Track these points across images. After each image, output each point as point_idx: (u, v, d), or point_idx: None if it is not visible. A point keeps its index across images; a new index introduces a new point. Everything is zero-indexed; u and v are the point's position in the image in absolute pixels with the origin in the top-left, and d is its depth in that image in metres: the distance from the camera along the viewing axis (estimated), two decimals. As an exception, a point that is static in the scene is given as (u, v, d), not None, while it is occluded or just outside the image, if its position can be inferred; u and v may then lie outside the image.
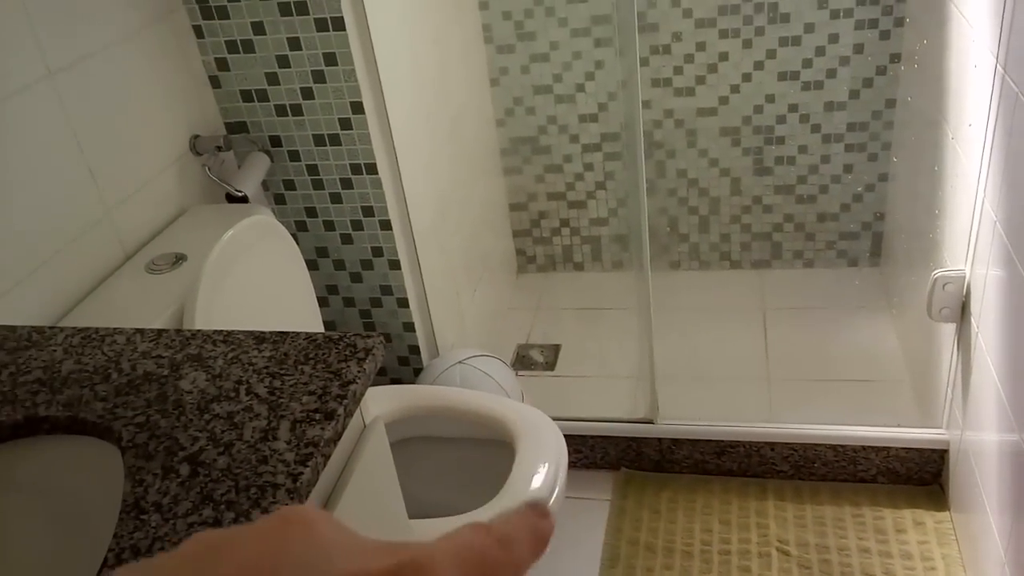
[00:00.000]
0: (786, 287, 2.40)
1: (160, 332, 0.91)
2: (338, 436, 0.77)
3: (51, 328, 0.93)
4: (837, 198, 2.33)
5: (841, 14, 2.09)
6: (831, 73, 2.16)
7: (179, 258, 1.25)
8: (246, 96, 1.52)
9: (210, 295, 1.17)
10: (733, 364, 2.14)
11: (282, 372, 0.83)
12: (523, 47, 2.26)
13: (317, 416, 0.76)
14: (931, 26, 1.79)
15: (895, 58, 2.12)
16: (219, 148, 1.46)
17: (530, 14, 2.21)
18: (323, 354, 0.85)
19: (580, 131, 2.35)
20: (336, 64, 1.46)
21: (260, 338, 0.89)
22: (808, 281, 2.41)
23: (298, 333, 0.89)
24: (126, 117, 1.31)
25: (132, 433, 0.76)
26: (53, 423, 0.80)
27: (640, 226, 1.74)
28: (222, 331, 0.90)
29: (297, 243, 1.55)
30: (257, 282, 1.29)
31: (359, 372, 0.82)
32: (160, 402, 0.80)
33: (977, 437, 1.51)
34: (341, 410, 0.77)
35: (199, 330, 0.91)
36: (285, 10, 1.42)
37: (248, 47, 1.47)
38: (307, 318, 1.45)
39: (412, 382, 1.76)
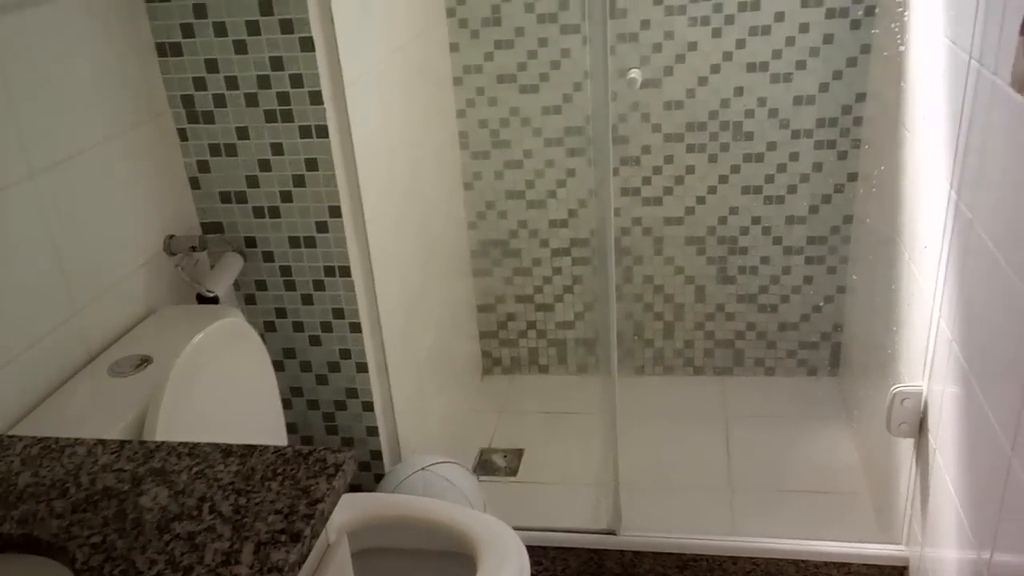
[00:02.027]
0: (748, 395, 2.42)
1: (123, 443, 0.89)
2: (303, 559, 0.75)
3: (10, 437, 0.91)
4: (797, 308, 2.39)
5: (802, 134, 2.19)
6: (791, 189, 2.25)
7: (144, 360, 1.23)
8: (224, 197, 1.53)
9: (175, 399, 1.15)
10: (696, 472, 2.14)
11: (248, 488, 0.82)
12: (498, 154, 2.32)
13: (283, 537, 0.75)
14: (887, 150, 1.89)
15: (852, 177, 2.22)
16: (193, 248, 1.46)
17: (506, 123, 2.29)
18: (292, 469, 0.84)
19: (550, 236, 2.40)
20: (317, 169, 1.49)
21: (227, 451, 0.88)
22: (769, 389, 2.44)
23: (267, 447, 0.88)
24: (103, 217, 1.32)
25: (87, 555, 0.74)
26: (6, 541, 0.77)
27: (608, 330, 1.76)
28: (187, 443, 0.89)
29: (264, 343, 1.54)
30: (223, 386, 1.28)
31: (328, 489, 0.81)
32: (119, 520, 0.78)
33: (937, 554, 1.51)
34: (308, 531, 0.76)
35: (164, 442, 0.89)
36: (271, 116, 1.46)
37: (231, 151, 1.50)
38: (271, 422, 1.43)
39: (373, 489, 1.73)
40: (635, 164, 2.29)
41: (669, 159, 2.27)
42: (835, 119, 2.16)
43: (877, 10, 2.02)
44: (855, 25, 2.06)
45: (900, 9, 1.78)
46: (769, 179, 2.25)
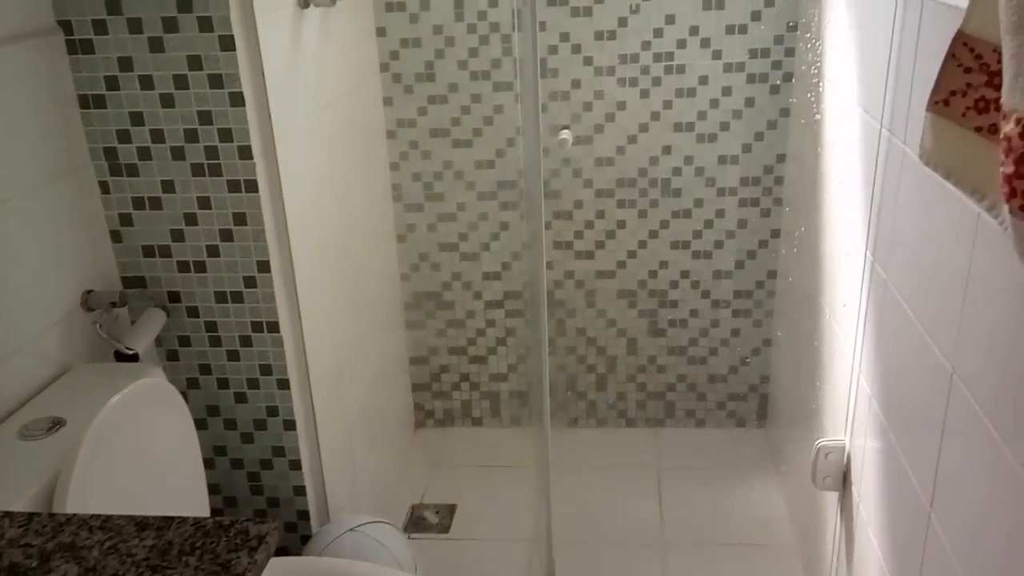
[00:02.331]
0: (679, 446, 2.45)
1: (31, 516, 0.84)
2: (220, 641, 0.72)
3: (-95, 510, 0.85)
4: (726, 361, 2.44)
5: (727, 192, 2.26)
6: (718, 244, 2.32)
7: (56, 423, 1.18)
8: (148, 251, 1.49)
9: (89, 464, 1.10)
10: (629, 527, 2.14)
11: (164, 564, 0.78)
12: (431, 206, 2.33)
13: (199, 618, 0.72)
14: (807, 211, 1.96)
15: (775, 233, 2.29)
16: (113, 304, 1.41)
17: (439, 176, 2.30)
18: (211, 543, 0.81)
19: (483, 288, 2.41)
20: (246, 224, 1.46)
21: (142, 524, 0.84)
22: (700, 440, 2.47)
23: (185, 519, 0.84)
24: (16, 273, 1.26)
25: (-13, 641, 0.69)
26: None
27: (541, 382, 1.76)
28: (100, 516, 0.85)
29: (187, 401, 1.49)
30: (142, 449, 1.23)
31: (250, 564, 0.78)
32: (23, 601, 0.73)
33: (863, 609, 1.54)
34: (226, 610, 0.73)
35: (75, 515, 0.85)
36: (198, 170, 1.43)
37: (155, 204, 1.46)
38: (192, 486, 1.38)
39: (299, 551, 1.67)
40: (567, 218, 2.33)
41: (600, 214, 2.31)
42: (758, 178, 2.24)
43: (794, 79, 2.12)
44: (775, 90, 2.15)
45: (815, 80, 1.87)
46: (697, 235, 2.31)
